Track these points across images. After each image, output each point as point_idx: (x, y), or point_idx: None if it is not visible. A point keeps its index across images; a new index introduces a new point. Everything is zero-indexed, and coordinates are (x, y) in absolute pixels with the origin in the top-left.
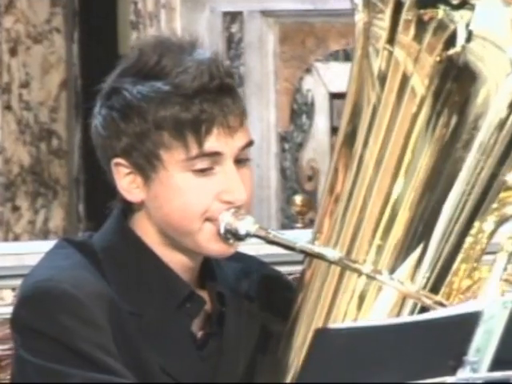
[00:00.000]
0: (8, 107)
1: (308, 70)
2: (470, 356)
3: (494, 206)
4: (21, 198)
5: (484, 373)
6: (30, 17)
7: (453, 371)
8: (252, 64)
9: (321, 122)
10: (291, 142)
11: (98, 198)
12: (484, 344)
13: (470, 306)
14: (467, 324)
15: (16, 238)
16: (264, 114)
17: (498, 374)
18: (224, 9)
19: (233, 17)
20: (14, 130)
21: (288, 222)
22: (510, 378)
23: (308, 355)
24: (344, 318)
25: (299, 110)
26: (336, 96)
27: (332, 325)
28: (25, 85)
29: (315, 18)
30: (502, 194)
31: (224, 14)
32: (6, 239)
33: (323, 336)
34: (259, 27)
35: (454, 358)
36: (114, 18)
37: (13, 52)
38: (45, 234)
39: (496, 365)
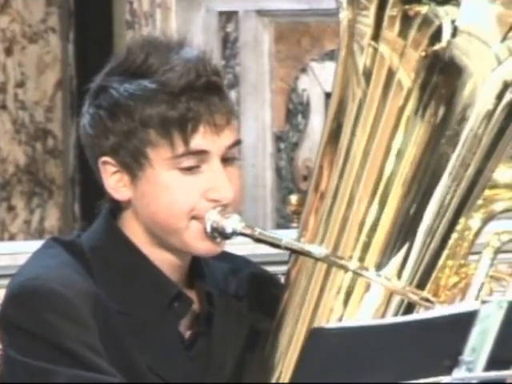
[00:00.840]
0: (3, 107)
1: (303, 70)
2: (466, 356)
3: (480, 202)
4: (16, 197)
5: (479, 372)
6: (25, 16)
7: (448, 371)
8: (247, 64)
9: (316, 122)
10: (287, 141)
11: (94, 198)
12: (479, 344)
13: (465, 305)
14: (463, 324)
15: (11, 238)
16: (259, 114)
17: (494, 374)
18: (219, 8)
19: (228, 16)
20: (9, 129)
21: (283, 222)
22: (505, 378)
23: (302, 355)
24: (330, 315)
25: (295, 110)
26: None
27: (326, 325)
28: (20, 84)
29: (310, 17)
30: (488, 192)
31: (219, 13)
32: (1, 239)
33: (317, 336)
34: (254, 27)
35: (450, 358)
36: (109, 17)
37: (8, 52)
38: (40, 234)
39: (491, 364)
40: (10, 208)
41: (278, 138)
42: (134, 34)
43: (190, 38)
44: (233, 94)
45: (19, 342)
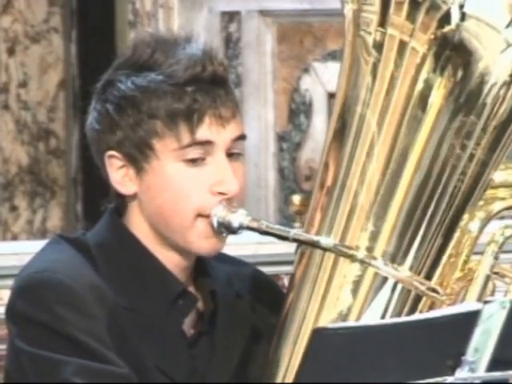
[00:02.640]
0: (6, 107)
1: (306, 70)
2: (469, 356)
3: (481, 203)
4: (19, 197)
5: (482, 373)
6: (27, 16)
7: (451, 371)
8: (250, 64)
9: (319, 122)
10: (289, 141)
11: (96, 198)
12: (482, 344)
13: (468, 305)
14: (465, 324)
15: (14, 238)
16: (262, 114)
17: (497, 374)
18: (222, 8)
19: (231, 16)
20: (11, 129)
21: (286, 222)
22: (508, 378)
23: (306, 355)
24: (338, 307)
25: (297, 110)
26: (334, 96)
27: (330, 325)
28: (23, 84)
29: (313, 17)
30: (488, 191)
31: (222, 13)
32: (4, 239)
33: (320, 336)
34: (257, 27)
35: (453, 358)
36: (111, 17)
37: (11, 52)
38: (43, 234)
39: (494, 365)
40: (13, 208)
41: (281, 138)
42: (136, 33)
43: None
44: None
45: (27, 333)
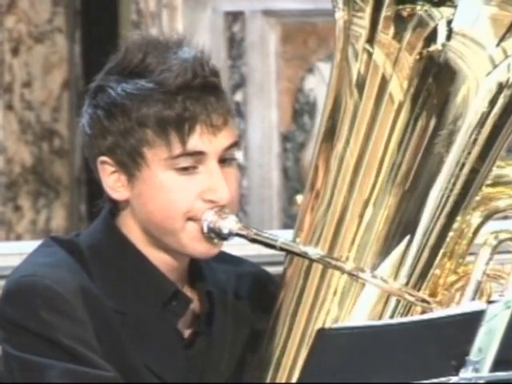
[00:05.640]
0: (10, 107)
1: (310, 70)
2: (473, 356)
3: (477, 198)
4: (22, 197)
5: (486, 373)
6: (31, 17)
7: (455, 371)
8: (254, 64)
9: None
10: (293, 141)
11: (100, 198)
12: (486, 344)
13: (472, 305)
14: (469, 324)
15: (18, 238)
16: (266, 114)
17: (501, 374)
18: (226, 8)
19: (234, 16)
20: (15, 129)
21: (290, 222)
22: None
23: (309, 355)
24: (326, 317)
25: (301, 110)
26: None
27: (334, 325)
28: (27, 84)
29: (317, 17)
30: (489, 190)
31: (226, 13)
32: (7, 239)
33: (325, 336)
34: (261, 27)
35: (457, 358)
36: (115, 17)
37: (15, 52)
38: (46, 234)
39: (498, 365)
40: (17, 208)
41: (285, 138)
42: (129, 36)
43: (197, 38)
44: (239, 95)
45: (14, 338)
